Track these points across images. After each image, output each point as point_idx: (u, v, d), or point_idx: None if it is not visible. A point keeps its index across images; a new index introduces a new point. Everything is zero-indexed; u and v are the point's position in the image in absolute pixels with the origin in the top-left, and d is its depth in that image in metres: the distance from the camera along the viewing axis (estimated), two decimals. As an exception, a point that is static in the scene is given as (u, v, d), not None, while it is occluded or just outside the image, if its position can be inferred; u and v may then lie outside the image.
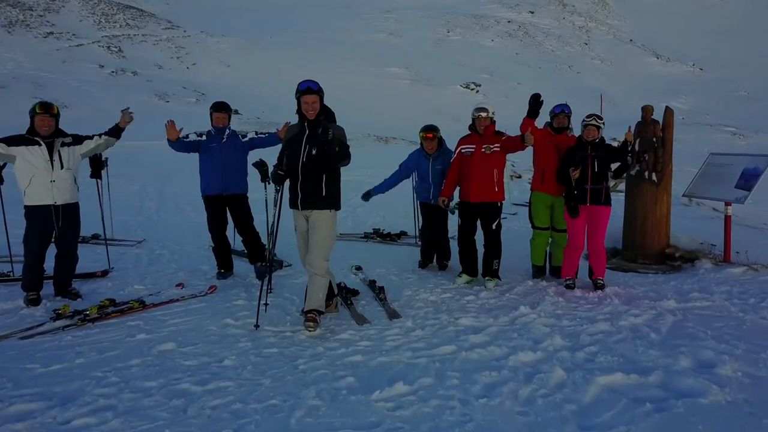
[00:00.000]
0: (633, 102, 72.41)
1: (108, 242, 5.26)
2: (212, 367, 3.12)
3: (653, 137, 5.30)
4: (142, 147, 25.07)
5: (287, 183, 3.65)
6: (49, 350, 3.28)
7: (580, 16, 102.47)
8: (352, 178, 14.09)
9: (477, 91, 61.94)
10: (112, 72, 44.84)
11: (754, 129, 55.15)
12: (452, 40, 79.47)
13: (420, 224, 5.36)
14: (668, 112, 5.36)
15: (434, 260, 5.19)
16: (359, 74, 59.39)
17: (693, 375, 2.94)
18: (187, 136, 5.00)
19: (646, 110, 5.45)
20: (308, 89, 3.74)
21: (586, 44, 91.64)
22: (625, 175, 4.76)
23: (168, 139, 4.95)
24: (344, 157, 3.73)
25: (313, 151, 3.56)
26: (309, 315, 3.52)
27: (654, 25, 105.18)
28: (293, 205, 3.80)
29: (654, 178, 5.26)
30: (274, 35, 71.02)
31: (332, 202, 3.83)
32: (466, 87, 61.90)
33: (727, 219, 5.08)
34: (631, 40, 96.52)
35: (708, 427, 2.39)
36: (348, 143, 3.82)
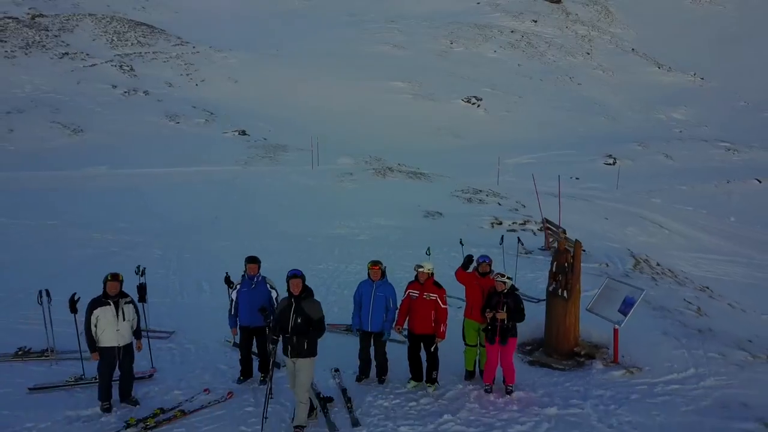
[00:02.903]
0: (632, 113, 74.01)
1: (148, 334, 6.87)
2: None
3: (565, 263, 6.92)
4: (159, 176, 26.92)
5: (281, 339, 5.26)
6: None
7: (583, 24, 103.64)
8: (338, 233, 15.61)
9: (478, 106, 63.45)
10: (125, 92, 46.82)
11: (748, 144, 56.40)
12: (455, 52, 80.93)
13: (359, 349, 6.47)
14: (576, 244, 6.96)
15: (371, 374, 6.38)
16: (362, 89, 61.02)
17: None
18: (233, 304, 6.39)
19: (560, 243, 7.07)
20: (294, 275, 5.32)
21: (588, 54, 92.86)
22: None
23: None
24: (319, 334, 5.37)
25: (299, 320, 5.19)
26: (296, 429, 5.20)
27: (656, 33, 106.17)
28: (285, 353, 5.43)
29: (565, 295, 6.88)
30: (279, 48, 72.79)
31: (311, 352, 5.23)
32: (467, 101, 63.41)
33: (615, 332, 6.68)
34: (633, 49, 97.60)
35: None
36: (321, 318, 5.36)
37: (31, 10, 61.26)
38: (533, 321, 7.90)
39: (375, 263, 6.22)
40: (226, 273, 7.25)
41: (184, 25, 71.97)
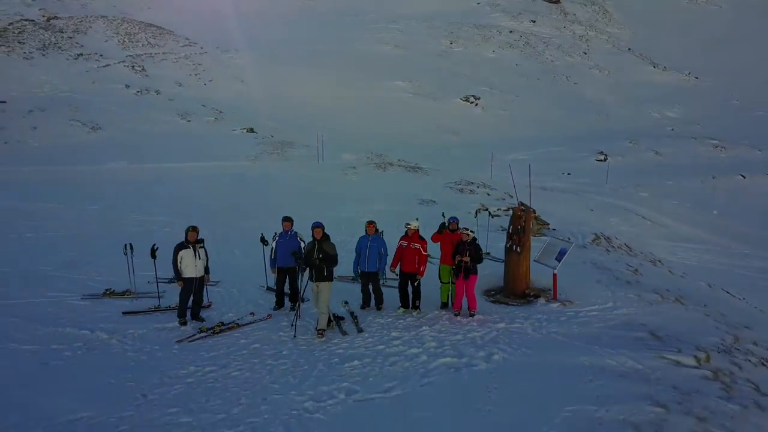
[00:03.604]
0: (626, 111, 76.12)
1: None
2: (277, 354, 7.01)
3: (519, 226, 9.13)
4: (177, 169, 29.15)
5: (307, 269, 7.53)
6: (203, 347, 7.18)
7: (580, 24, 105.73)
8: (343, 216, 17.84)
9: (476, 104, 65.63)
10: (137, 92, 49.03)
11: (737, 142, 58.42)
12: (455, 52, 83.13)
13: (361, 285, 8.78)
14: (528, 213, 9.17)
15: (372, 304, 8.69)
16: (364, 89, 63.25)
17: (482, 360, 6.77)
18: (272, 250, 8.65)
19: (515, 210, 9.28)
20: (317, 225, 7.56)
21: (585, 53, 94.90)
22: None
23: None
24: (333, 265, 7.63)
25: (320, 255, 7.40)
26: (319, 331, 7.43)
27: (653, 33, 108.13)
28: (311, 279, 7.65)
29: (518, 250, 9.09)
30: (283, 48, 75.01)
31: (329, 278, 7.50)
32: (465, 100, 65.57)
33: (554, 276, 8.89)
34: (629, 49, 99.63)
35: (476, 377, 6.23)
36: (335, 254, 7.64)
37: (41, 10, 63.66)
38: (496, 275, 10.20)
39: (370, 222, 8.49)
40: (261, 234, 9.52)
41: (188, 26, 74.13)
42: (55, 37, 53.82)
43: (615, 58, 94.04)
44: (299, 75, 65.98)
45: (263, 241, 9.37)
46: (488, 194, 23.74)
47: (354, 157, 34.08)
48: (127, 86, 49.38)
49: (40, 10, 62.25)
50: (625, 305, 8.87)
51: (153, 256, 8.37)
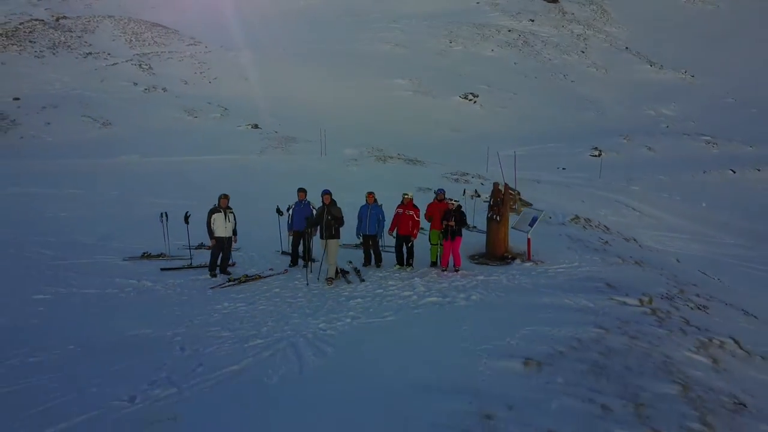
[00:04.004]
0: (622, 109, 77.61)
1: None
2: (294, 295, 8.51)
3: (498, 198, 10.61)
4: (187, 162, 30.64)
5: (317, 229, 9.03)
6: (232, 292, 8.67)
7: (579, 24, 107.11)
8: (347, 201, 19.36)
9: (474, 102, 67.08)
10: (145, 89, 50.52)
11: (729, 138, 59.83)
12: (454, 51, 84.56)
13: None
14: (505, 188, 10.64)
15: (372, 262, 10.33)
16: (365, 87, 64.71)
17: (462, 299, 8.25)
18: (289, 216, 10.21)
19: (495, 185, 10.75)
20: (326, 192, 9.08)
21: (583, 52, 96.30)
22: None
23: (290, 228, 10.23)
24: (339, 225, 9.12)
25: (329, 217, 8.89)
26: (328, 279, 8.94)
27: (650, 32, 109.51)
28: (321, 237, 9.14)
29: (498, 219, 10.57)
30: (285, 48, 76.49)
31: (336, 236, 9.01)
32: (464, 98, 67.02)
33: (528, 240, 10.36)
34: (626, 48, 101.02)
35: (456, 310, 7.75)
36: (341, 216, 9.17)
37: (47, 10, 65.25)
38: (480, 243, 11.70)
39: (370, 193, 9.99)
40: (277, 206, 11.03)
41: (191, 26, 75.64)
42: (64, 36, 55.32)
43: (612, 56, 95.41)
44: (301, 74, 67.42)
45: (278, 211, 10.87)
46: (482, 183, 25.23)
47: (355, 152, 35.55)
48: (135, 84, 50.88)
49: (46, 9, 63.86)
50: (589, 265, 10.37)
51: (186, 221, 9.85)
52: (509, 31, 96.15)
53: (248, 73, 64.80)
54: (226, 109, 49.29)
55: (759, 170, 49.43)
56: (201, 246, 11.14)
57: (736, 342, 8.00)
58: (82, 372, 5.71)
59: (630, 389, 6.02)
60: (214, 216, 9.19)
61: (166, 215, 10.42)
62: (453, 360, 6.14)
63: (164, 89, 51.23)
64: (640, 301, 8.70)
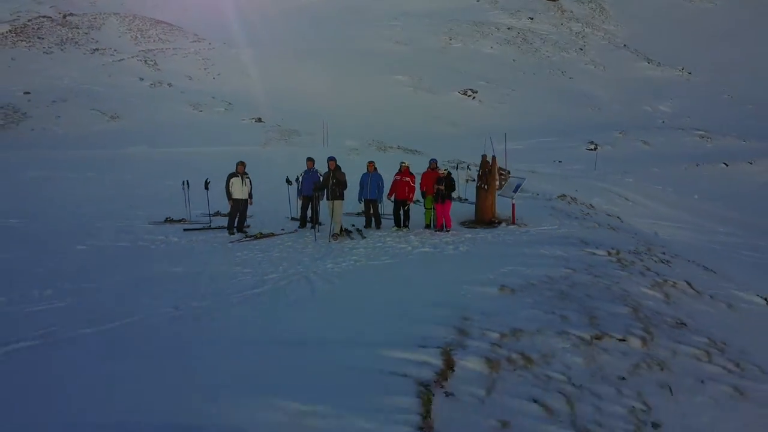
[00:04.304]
0: (619, 105, 78.71)
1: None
2: (304, 247, 9.67)
3: (486, 169, 11.77)
4: (195, 153, 31.83)
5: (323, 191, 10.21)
6: (249, 245, 9.85)
7: (577, 21, 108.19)
8: (350, 180, 20.73)
9: (473, 97, 68.23)
10: (151, 84, 51.70)
11: (723, 133, 60.95)
12: (454, 48, 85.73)
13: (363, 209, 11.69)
14: (493, 160, 11.78)
15: (372, 225, 11.53)
16: (366, 83, 65.87)
17: (451, 249, 9.41)
18: (299, 183, 11.42)
19: (483, 157, 11.89)
20: (331, 159, 10.24)
21: (581, 49, 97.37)
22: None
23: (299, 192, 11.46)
24: (343, 188, 10.29)
25: (334, 180, 10.06)
26: (333, 236, 10.10)
27: (649, 30, 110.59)
28: (327, 198, 10.32)
29: (485, 187, 11.72)
30: (287, 45, 77.63)
31: (341, 197, 10.17)
32: (463, 93, 68.18)
33: (512, 205, 11.51)
34: (624, 45, 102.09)
35: (445, 257, 8.88)
36: (345, 179, 10.35)
37: (52, 7, 66.39)
38: (470, 212, 12.87)
39: (370, 162, 11.15)
40: (287, 176, 12.21)
41: (192, 23, 76.81)
42: (71, 33, 56.54)
43: (610, 54, 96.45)
44: (302, 70, 68.54)
45: (288, 181, 12.04)
46: (478, 170, 26.35)
47: (356, 143, 36.74)
48: (141, 79, 52.08)
49: (51, 7, 64.97)
50: (568, 228, 11.53)
51: (206, 188, 11.02)
52: (508, 28, 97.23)
53: (251, 69, 65.93)
54: (230, 103, 50.47)
55: (751, 163, 50.42)
56: (217, 213, 12.30)
57: (688, 284, 9.14)
58: (130, 292, 6.90)
59: (588, 308, 7.18)
60: (232, 180, 10.37)
61: (188, 183, 11.58)
62: (439, 287, 7.31)
63: (170, 84, 52.41)
64: (608, 252, 9.87)
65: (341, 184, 10.05)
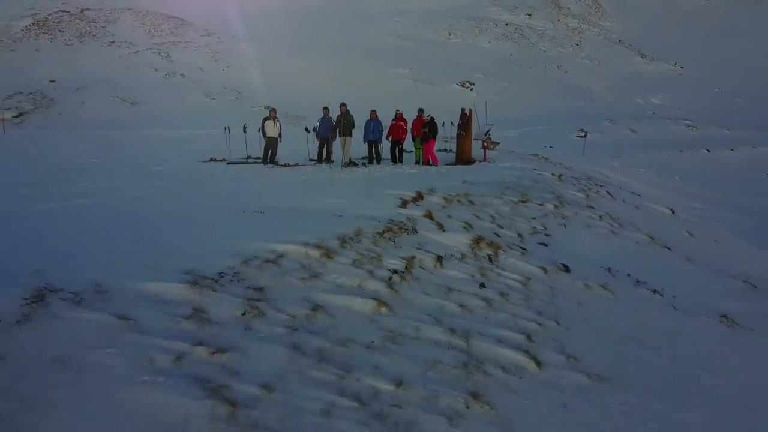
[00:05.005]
0: (612, 97, 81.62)
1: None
2: (321, 171, 12.84)
3: (464, 119, 14.84)
4: (214, 133, 34.89)
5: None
6: (280, 170, 12.95)
7: (574, 18, 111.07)
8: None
9: (471, 89, 71.26)
10: (165, 75, 54.82)
11: (707, 122, 63.87)
12: (453, 43, 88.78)
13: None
14: (470, 112, 14.84)
15: (374, 161, 14.57)
16: (369, 75, 68.97)
17: (433, 170, 12.51)
18: (317, 129, 14.54)
19: (462, 110, 14.96)
20: (342, 104, 13.29)
21: (577, 45, 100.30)
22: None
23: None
24: (352, 127, 13.40)
25: (345, 121, 13.12)
26: (344, 164, 13.19)
27: (644, 26, 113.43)
28: (340, 135, 13.40)
29: (463, 133, 14.81)
30: (291, 40, 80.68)
31: (350, 134, 13.30)
32: (461, 85, 71.22)
33: (484, 148, 14.57)
34: (620, 41, 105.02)
35: (427, 173, 12.02)
36: (353, 120, 13.44)
37: (64, 4, 69.46)
38: (451, 157, 15.97)
39: (372, 111, 14.26)
40: (305, 126, 15.33)
41: (198, 18, 79.74)
42: (89, 26, 59.69)
43: (605, 49, 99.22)
44: (307, 64, 71.52)
45: (307, 130, 15.14)
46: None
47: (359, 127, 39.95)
48: (156, 70, 55.17)
49: (63, 3, 67.91)
50: (528, 165, 14.66)
51: (244, 131, 14.13)
52: (506, 24, 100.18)
53: (258, 62, 68.92)
54: (240, 92, 53.59)
55: (732, 150, 53.30)
56: (249, 158, 15.37)
57: (609, 193, 12.28)
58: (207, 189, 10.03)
59: (523, 193, 10.32)
60: (266, 122, 13.48)
61: (229, 129, 14.70)
62: (417, 183, 10.42)
63: (183, 75, 55.52)
64: (552, 174, 13.00)
65: (351, 124, 13.13)
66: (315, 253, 4.75)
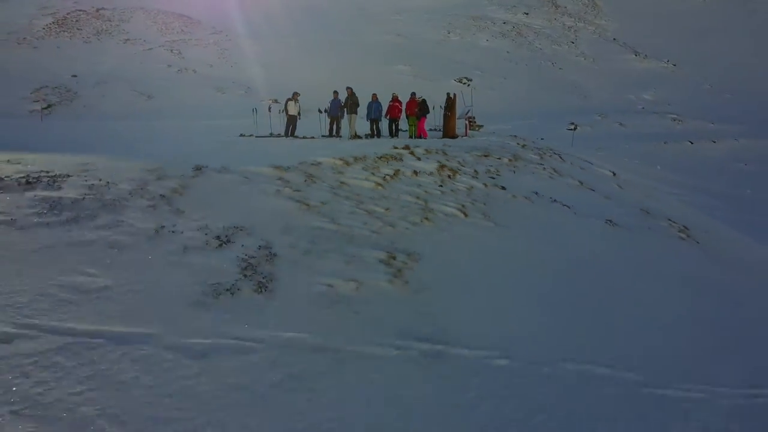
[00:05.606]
0: (605, 94, 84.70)
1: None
2: (328, 143, 16.03)
3: (449, 102, 17.98)
4: (222, 124, 38.08)
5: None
6: (300, 141, 16.17)
7: (570, 16, 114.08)
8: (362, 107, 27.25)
9: (468, 85, 74.34)
10: (178, 71, 57.96)
11: (694, 116, 66.96)
12: (452, 41, 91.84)
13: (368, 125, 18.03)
14: (454, 96, 17.97)
15: (374, 136, 17.64)
16: (370, 72, 72.09)
17: (421, 142, 15.68)
18: (328, 109, 17.72)
19: (448, 94, 18.09)
20: (349, 88, 16.43)
21: (573, 43, 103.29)
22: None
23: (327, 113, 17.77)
24: (357, 106, 16.61)
25: (350, 102, 16.27)
26: (351, 137, 16.35)
27: (638, 25, 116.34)
28: (347, 113, 16.59)
29: (449, 113, 17.95)
30: (294, 39, 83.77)
31: (356, 111, 16.44)
32: (459, 81, 74.28)
33: (466, 125, 17.72)
34: (614, 39, 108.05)
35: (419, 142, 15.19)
36: (358, 101, 16.63)
37: (75, 3, 72.70)
38: (439, 135, 19.17)
39: (374, 94, 17.46)
40: (318, 108, 18.53)
41: (209, 17, 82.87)
42: (105, 24, 62.89)
43: (600, 47, 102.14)
44: (311, 61, 74.65)
45: (320, 111, 18.33)
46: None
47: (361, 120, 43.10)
48: (169, 66, 58.33)
49: (75, 2, 71.14)
50: (502, 140, 17.84)
51: (269, 110, 17.32)
52: (504, 23, 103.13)
53: (264, 59, 72.09)
54: (249, 87, 56.67)
55: (714, 142, 56.46)
56: (271, 135, 18.54)
57: (559, 155, 15.47)
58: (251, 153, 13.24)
59: (487, 150, 13.49)
60: (288, 102, 16.64)
61: (256, 110, 17.89)
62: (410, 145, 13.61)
63: (194, 71, 58.67)
64: (518, 143, 16.16)
65: (356, 104, 16.30)
66: (339, 162, 7.95)
